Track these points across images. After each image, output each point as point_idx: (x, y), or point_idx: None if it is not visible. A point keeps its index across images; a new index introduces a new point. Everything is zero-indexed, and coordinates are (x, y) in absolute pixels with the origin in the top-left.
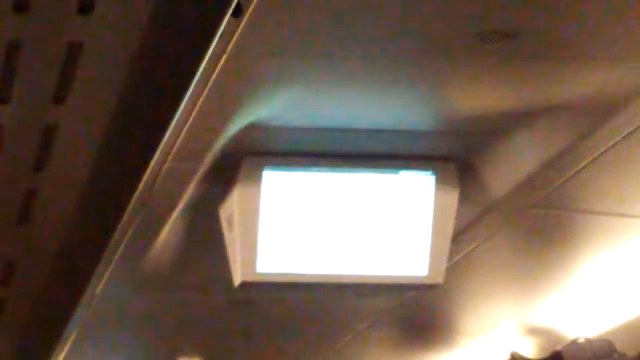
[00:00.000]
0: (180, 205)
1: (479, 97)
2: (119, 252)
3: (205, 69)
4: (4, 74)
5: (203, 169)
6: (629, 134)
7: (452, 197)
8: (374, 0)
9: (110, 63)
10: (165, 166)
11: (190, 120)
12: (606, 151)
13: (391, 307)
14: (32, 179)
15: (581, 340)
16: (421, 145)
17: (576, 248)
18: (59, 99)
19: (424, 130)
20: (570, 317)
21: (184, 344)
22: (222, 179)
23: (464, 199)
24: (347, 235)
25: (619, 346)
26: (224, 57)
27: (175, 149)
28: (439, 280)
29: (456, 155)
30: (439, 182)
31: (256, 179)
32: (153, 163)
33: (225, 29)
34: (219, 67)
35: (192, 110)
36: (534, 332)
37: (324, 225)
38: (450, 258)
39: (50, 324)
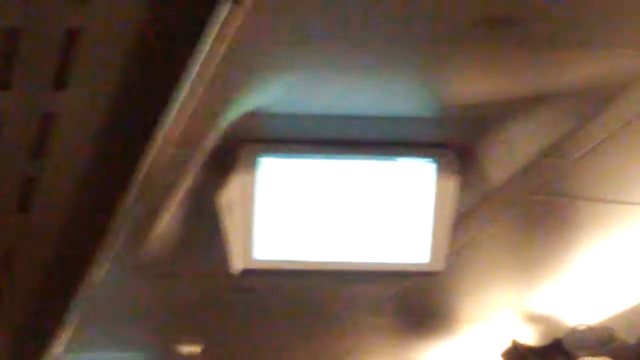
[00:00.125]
0: (178, 193)
1: (479, 83)
2: (118, 239)
3: (202, 56)
4: (3, 60)
5: (201, 156)
6: (629, 120)
7: (453, 184)
8: None
9: (109, 49)
10: (163, 153)
11: (188, 108)
12: (606, 138)
13: (391, 295)
14: (31, 167)
15: (582, 327)
16: (421, 132)
17: (576, 235)
18: (58, 85)
19: (423, 117)
20: (571, 304)
21: (182, 331)
22: (220, 166)
23: (463, 186)
24: (347, 223)
25: (620, 333)
26: (223, 45)
27: (173, 136)
28: (440, 267)
29: (456, 142)
30: (439, 169)
31: (254, 165)
32: (151, 150)
33: (222, 16)
34: (218, 55)
35: (190, 97)
36: (534, 319)
37: (323, 212)
38: (450, 245)
39: (50, 312)
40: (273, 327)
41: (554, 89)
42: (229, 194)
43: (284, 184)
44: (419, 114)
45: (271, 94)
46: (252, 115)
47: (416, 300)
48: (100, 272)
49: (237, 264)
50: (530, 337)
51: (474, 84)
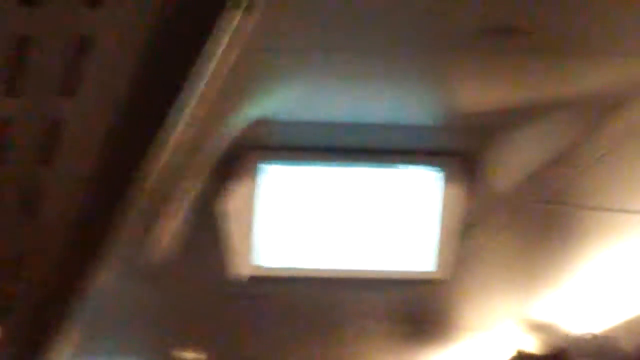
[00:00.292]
0: (182, 199)
1: (485, 92)
2: (121, 246)
3: (209, 64)
4: (13, 67)
5: (204, 162)
6: (635, 130)
7: (459, 192)
8: None
9: (118, 56)
10: (168, 159)
11: (193, 115)
12: (612, 147)
13: (395, 302)
14: (38, 173)
15: (586, 337)
16: (427, 141)
17: (581, 244)
18: (66, 92)
19: (430, 126)
20: (575, 313)
21: (183, 338)
22: (223, 172)
23: (469, 195)
24: (352, 230)
25: (623, 342)
26: (229, 52)
27: (177, 143)
28: (446, 275)
29: (462, 151)
30: (446, 177)
31: (256, 172)
32: (155, 156)
33: (229, 24)
34: (226, 63)
35: (195, 104)
36: (538, 327)
37: (327, 220)
38: (456, 253)
39: (52, 319)
40: (276, 334)
41: (560, 98)
42: (232, 200)
43: (287, 191)
44: (425, 123)
45: (276, 102)
46: (256, 122)
47: (421, 307)
48: (103, 279)
49: (240, 271)
50: (534, 346)
51: (480, 93)
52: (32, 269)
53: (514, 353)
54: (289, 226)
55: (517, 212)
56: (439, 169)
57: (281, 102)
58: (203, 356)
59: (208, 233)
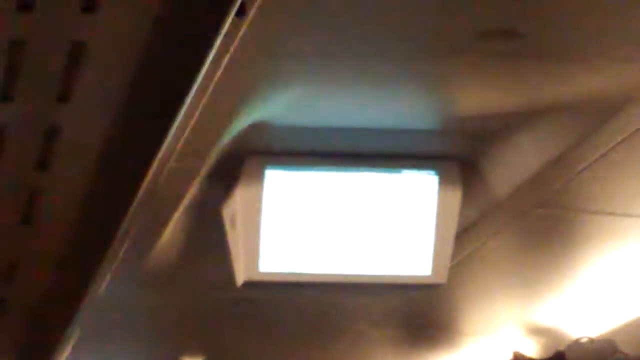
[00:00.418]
0: (183, 205)
1: (482, 96)
2: (122, 251)
3: (208, 68)
4: (7, 72)
5: (206, 168)
6: (633, 133)
7: (455, 197)
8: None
9: (114, 62)
10: (168, 165)
11: (193, 120)
12: (610, 150)
13: (393, 307)
14: (35, 179)
15: (584, 340)
16: (424, 145)
17: (580, 247)
18: (62, 98)
19: (426, 130)
20: (574, 316)
21: (186, 344)
22: (225, 178)
23: (466, 199)
24: (350, 235)
25: (622, 346)
26: (227, 56)
27: (178, 148)
28: (442, 279)
29: (459, 155)
30: (442, 181)
31: (259, 178)
32: (156, 162)
33: (228, 28)
34: (221, 67)
35: (195, 109)
36: (537, 331)
37: (326, 224)
38: (453, 257)
39: (53, 324)
40: (277, 339)
41: (558, 101)
42: (234, 206)
43: (289, 196)
44: (422, 127)
45: (276, 107)
46: (257, 127)
47: (419, 312)
48: (104, 284)
49: (242, 276)
50: (533, 350)
51: (477, 97)
52: (29, 275)
53: (510, 356)
54: (289, 231)
55: (513, 216)
56: (436, 172)
57: (279, 107)
58: None
59: (210, 239)
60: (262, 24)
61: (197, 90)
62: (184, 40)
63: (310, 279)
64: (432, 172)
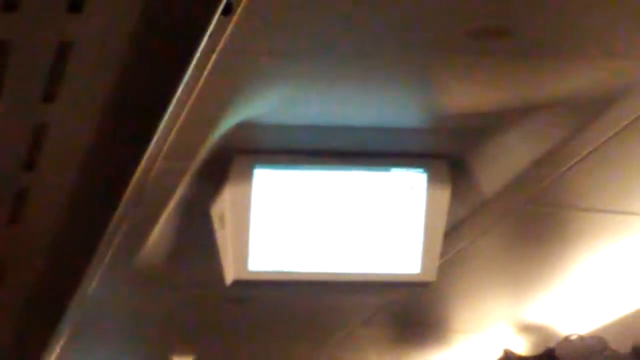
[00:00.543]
0: (172, 204)
1: (471, 94)
2: (111, 250)
3: (194, 67)
4: None
5: (194, 167)
6: (621, 129)
7: (444, 195)
8: None
9: (100, 61)
10: (156, 165)
11: (181, 119)
12: (598, 147)
13: (383, 305)
14: (22, 179)
15: (573, 337)
16: (412, 143)
17: (569, 245)
18: (48, 98)
19: (415, 128)
20: (563, 314)
21: (176, 343)
22: (213, 177)
23: (455, 196)
24: (339, 233)
25: (612, 343)
26: (214, 55)
27: (165, 148)
28: (431, 277)
29: (448, 153)
30: (431, 179)
31: (247, 176)
32: (144, 162)
33: (214, 27)
34: (208, 66)
35: (182, 108)
36: (527, 329)
37: (315, 223)
38: (443, 255)
39: (42, 323)
40: (266, 337)
41: (546, 98)
42: (223, 204)
43: (277, 194)
44: (410, 125)
45: (264, 105)
46: (245, 126)
47: (409, 310)
48: (93, 283)
49: (231, 275)
50: (523, 347)
51: (466, 95)
52: (17, 275)
53: (500, 354)
54: (278, 230)
55: (503, 214)
56: (424, 170)
57: (267, 106)
58: None
59: (199, 238)
60: (248, 22)
61: (184, 90)
62: (170, 39)
63: (299, 278)
64: (420, 170)
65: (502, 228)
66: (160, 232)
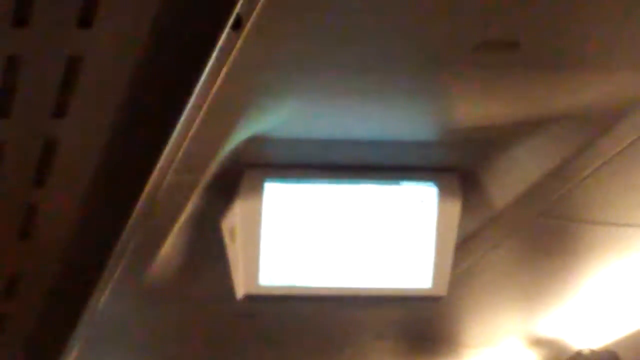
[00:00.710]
0: (182, 218)
1: (481, 107)
2: (121, 265)
3: (204, 81)
4: (4, 87)
5: (204, 181)
6: (633, 142)
7: (455, 208)
8: (374, 12)
9: (110, 76)
10: (167, 179)
11: (191, 133)
12: (610, 160)
13: (394, 319)
14: (32, 194)
15: (585, 351)
16: (423, 156)
17: (580, 258)
18: (58, 113)
19: (425, 141)
20: (575, 328)
21: (187, 357)
22: (224, 191)
23: (466, 210)
24: (350, 247)
25: (624, 357)
26: (223, 70)
27: (176, 162)
28: (443, 291)
29: (458, 166)
30: (441, 192)
31: (258, 191)
32: (154, 176)
33: (224, 41)
34: (218, 80)
35: (192, 122)
36: (539, 343)
37: (326, 237)
38: (454, 269)
39: (53, 339)
40: (277, 352)
41: (557, 111)
42: (233, 219)
43: (288, 208)
44: (421, 138)
45: (274, 119)
46: (256, 140)
47: (420, 324)
48: (104, 298)
49: (242, 289)
50: None
51: (476, 108)
52: (28, 290)
53: None
54: (288, 244)
55: (514, 227)
56: (435, 184)
57: (278, 120)
58: None
59: (209, 252)
60: (258, 37)
61: (194, 104)
62: (180, 54)
63: (310, 292)
64: (431, 184)
65: (513, 241)
66: (170, 247)
